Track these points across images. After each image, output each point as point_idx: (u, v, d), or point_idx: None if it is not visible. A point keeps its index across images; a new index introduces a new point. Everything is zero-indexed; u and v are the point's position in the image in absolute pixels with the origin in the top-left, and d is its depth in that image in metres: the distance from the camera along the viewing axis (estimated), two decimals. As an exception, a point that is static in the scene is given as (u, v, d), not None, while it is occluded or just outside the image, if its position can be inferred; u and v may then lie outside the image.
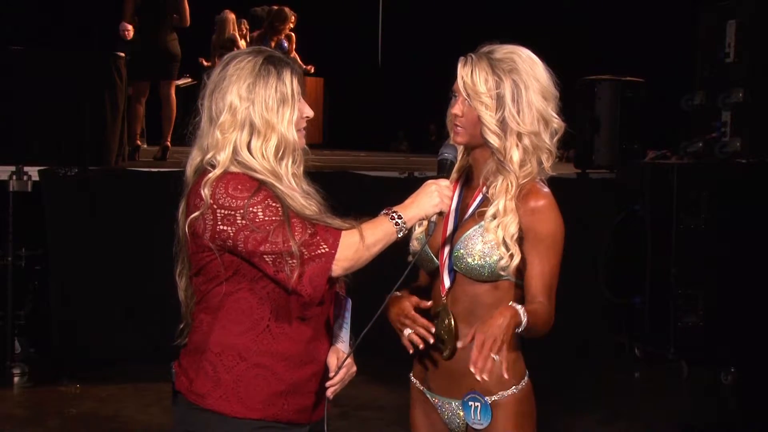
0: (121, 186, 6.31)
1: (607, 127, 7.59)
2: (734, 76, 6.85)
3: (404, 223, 2.19)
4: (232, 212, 2.13)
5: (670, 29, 11.21)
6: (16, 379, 5.88)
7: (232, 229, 2.13)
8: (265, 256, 2.13)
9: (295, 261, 2.10)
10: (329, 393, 2.32)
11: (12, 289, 6.03)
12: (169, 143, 8.03)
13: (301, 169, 2.30)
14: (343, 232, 2.15)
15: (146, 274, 5.93)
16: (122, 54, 6.81)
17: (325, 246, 2.12)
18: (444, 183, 2.27)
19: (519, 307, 2.17)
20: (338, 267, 2.14)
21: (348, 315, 2.38)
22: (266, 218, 2.12)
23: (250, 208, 2.12)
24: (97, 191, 6.20)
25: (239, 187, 2.14)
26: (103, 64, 6.66)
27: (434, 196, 2.23)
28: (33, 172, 6.05)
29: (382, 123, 15.39)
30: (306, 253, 2.11)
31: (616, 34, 12.87)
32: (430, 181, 2.26)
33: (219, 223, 2.14)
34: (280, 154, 2.22)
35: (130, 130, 7.76)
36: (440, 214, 2.26)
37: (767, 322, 6.24)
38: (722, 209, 6.52)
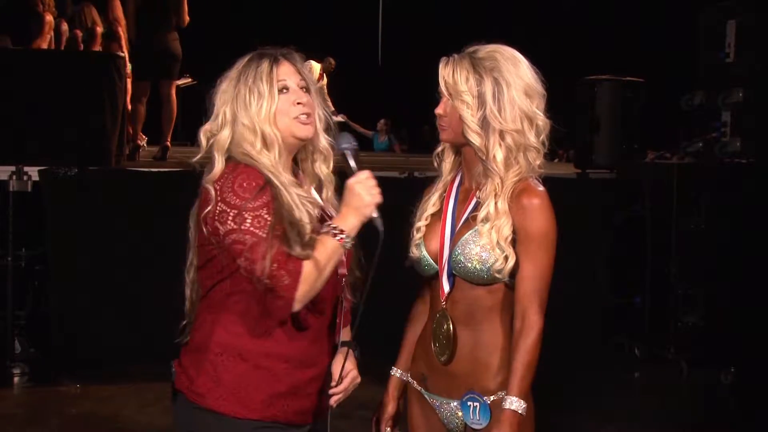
0: (121, 186, 6.31)
1: (607, 127, 7.58)
2: (734, 76, 6.86)
3: (347, 236, 2.16)
4: (228, 210, 2.14)
5: (670, 29, 11.22)
6: (16, 379, 5.88)
7: (223, 229, 2.15)
8: (242, 268, 2.15)
9: (262, 284, 2.12)
10: (332, 401, 2.32)
11: (12, 289, 6.03)
12: (169, 143, 8.03)
13: (310, 162, 2.32)
14: (303, 267, 2.12)
15: (146, 273, 5.93)
16: (122, 54, 6.81)
17: (287, 279, 2.10)
18: (363, 175, 2.19)
19: (513, 404, 2.23)
20: (298, 305, 2.13)
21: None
22: (252, 228, 2.12)
23: (244, 213, 2.13)
24: (97, 191, 6.20)
25: (245, 184, 2.15)
26: (103, 64, 6.66)
27: (363, 195, 2.17)
28: (33, 172, 6.05)
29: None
30: (270, 284, 2.12)
31: (616, 34, 12.88)
32: (350, 182, 2.19)
33: (216, 218, 2.16)
34: (267, 147, 2.22)
35: (131, 130, 7.76)
36: (378, 207, 2.19)
37: (767, 322, 6.24)
38: (722, 209, 6.52)
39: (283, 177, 2.21)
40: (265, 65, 2.25)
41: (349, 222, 2.17)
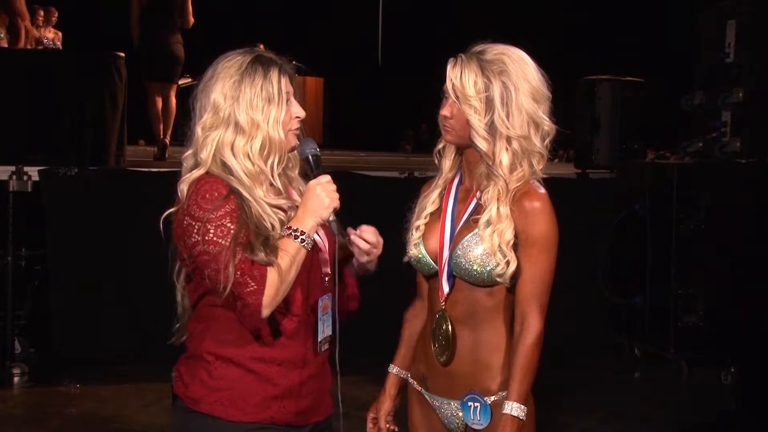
0: (121, 186, 6.31)
1: (607, 127, 7.58)
2: (734, 76, 6.85)
3: (307, 236, 2.16)
4: (193, 224, 2.14)
5: (670, 29, 11.23)
6: (16, 379, 5.88)
7: (190, 242, 2.15)
8: (207, 278, 2.14)
9: (229, 293, 2.10)
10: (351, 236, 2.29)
11: (12, 289, 6.02)
12: (168, 140, 8.05)
13: (297, 171, 2.30)
14: (268, 274, 2.11)
15: (146, 273, 5.92)
16: (122, 54, 6.82)
17: (253, 286, 2.09)
18: (324, 179, 2.20)
19: (514, 409, 2.23)
20: (266, 310, 2.12)
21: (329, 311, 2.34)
22: (215, 238, 2.11)
23: (207, 224, 2.12)
24: (97, 191, 6.20)
25: (207, 196, 2.14)
26: (103, 64, 6.66)
27: (323, 197, 2.18)
28: (33, 172, 6.04)
29: (382, 123, 15.41)
30: (236, 292, 2.10)
31: (616, 34, 12.90)
32: (312, 183, 2.20)
33: (184, 233, 2.16)
34: (266, 153, 2.22)
35: (153, 130, 7.83)
36: (334, 211, 2.20)
37: (767, 322, 6.24)
38: (722, 209, 6.52)
39: (258, 186, 2.19)
40: (274, 72, 2.23)
41: (306, 223, 2.17)
